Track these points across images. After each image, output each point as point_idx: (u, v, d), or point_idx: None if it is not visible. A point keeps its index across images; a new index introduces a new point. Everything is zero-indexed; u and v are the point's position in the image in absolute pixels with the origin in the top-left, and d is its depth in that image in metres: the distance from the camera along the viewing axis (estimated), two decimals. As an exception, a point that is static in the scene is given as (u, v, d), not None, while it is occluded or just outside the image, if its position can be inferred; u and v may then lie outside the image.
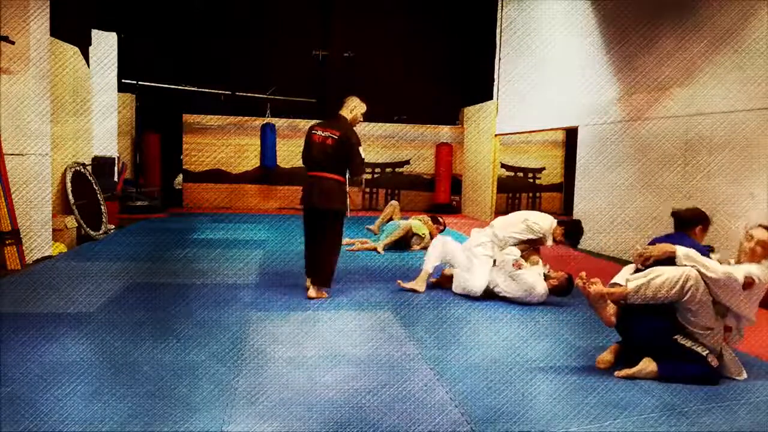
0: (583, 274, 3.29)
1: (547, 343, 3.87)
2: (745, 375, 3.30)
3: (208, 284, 5.23)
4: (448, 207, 12.55)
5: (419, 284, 5.05)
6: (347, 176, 4.85)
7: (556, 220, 5.10)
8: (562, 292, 4.79)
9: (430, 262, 5.07)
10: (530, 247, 5.12)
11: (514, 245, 4.96)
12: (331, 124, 4.78)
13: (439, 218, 8.17)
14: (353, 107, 4.87)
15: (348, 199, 4.83)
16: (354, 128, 4.85)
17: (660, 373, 3.20)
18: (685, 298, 3.11)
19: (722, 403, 2.97)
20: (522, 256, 4.91)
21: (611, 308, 3.32)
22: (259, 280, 5.47)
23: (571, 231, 4.98)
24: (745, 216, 5.33)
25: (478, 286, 4.80)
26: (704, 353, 3.17)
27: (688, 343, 3.19)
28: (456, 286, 5.00)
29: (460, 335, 4.02)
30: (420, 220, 7.79)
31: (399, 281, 5.12)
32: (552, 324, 4.32)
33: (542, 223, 5.03)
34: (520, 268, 4.72)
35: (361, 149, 4.68)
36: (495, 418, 2.72)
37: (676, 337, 3.20)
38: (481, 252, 4.91)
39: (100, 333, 3.77)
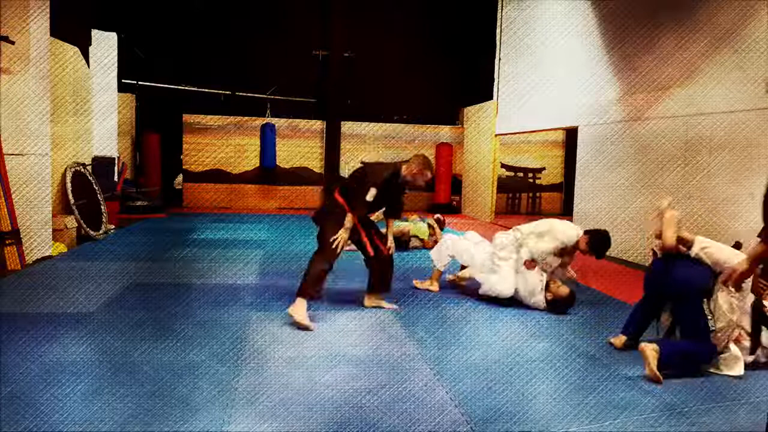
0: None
1: (547, 343, 3.87)
2: (741, 371, 3.32)
3: (208, 284, 5.23)
4: (448, 207, 12.56)
5: (434, 284, 5.26)
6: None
7: (581, 231, 4.88)
8: (558, 309, 4.61)
9: (441, 262, 5.24)
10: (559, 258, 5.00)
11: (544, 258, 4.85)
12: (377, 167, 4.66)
13: (440, 217, 8.15)
14: (415, 171, 4.37)
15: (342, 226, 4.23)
16: (402, 180, 4.42)
17: (661, 348, 3.24)
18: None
19: (722, 403, 2.97)
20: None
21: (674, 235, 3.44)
22: (259, 280, 5.47)
23: (595, 241, 4.70)
24: (745, 216, 5.33)
25: (506, 290, 4.74)
26: (712, 327, 3.29)
27: (706, 310, 3.31)
28: (483, 290, 4.89)
29: (460, 335, 4.02)
30: (424, 221, 7.77)
31: (415, 281, 5.38)
32: (552, 324, 4.32)
33: (568, 232, 4.83)
34: (530, 268, 4.68)
35: (371, 192, 4.16)
36: (495, 418, 2.72)
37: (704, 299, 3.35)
38: (505, 255, 4.84)
39: (100, 333, 3.77)
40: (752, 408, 2.94)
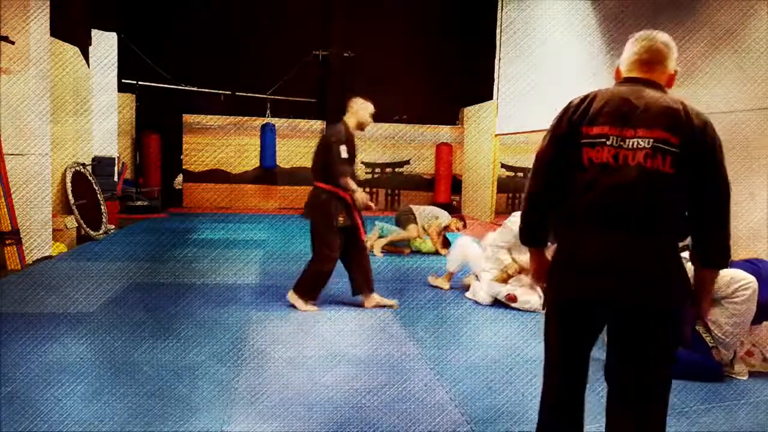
0: None
1: (547, 343, 3.86)
2: (747, 375, 3.31)
3: (208, 284, 5.23)
4: (449, 207, 12.55)
5: (445, 283, 5.35)
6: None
7: None
8: None
9: (453, 264, 5.29)
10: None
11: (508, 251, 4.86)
12: (326, 130, 4.47)
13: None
14: (355, 110, 4.40)
15: (332, 207, 4.23)
16: (352, 131, 4.38)
17: None
18: (734, 298, 3.15)
19: (722, 403, 2.97)
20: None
21: None
22: (259, 280, 5.47)
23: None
24: (745, 216, 5.33)
25: (483, 299, 4.84)
26: (711, 344, 3.21)
27: (701, 330, 3.24)
28: (469, 293, 5.08)
29: (460, 335, 4.02)
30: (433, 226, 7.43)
31: (430, 276, 5.51)
32: (552, 324, 4.32)
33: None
34: (514, 300, 4.69)
35: (342, 149, 4.13)
36: (495, 418, 2.72)
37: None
38: (487, 267, 4.92)
39: (100, 333, 3.77)
40: (752, 408, 2.94)
